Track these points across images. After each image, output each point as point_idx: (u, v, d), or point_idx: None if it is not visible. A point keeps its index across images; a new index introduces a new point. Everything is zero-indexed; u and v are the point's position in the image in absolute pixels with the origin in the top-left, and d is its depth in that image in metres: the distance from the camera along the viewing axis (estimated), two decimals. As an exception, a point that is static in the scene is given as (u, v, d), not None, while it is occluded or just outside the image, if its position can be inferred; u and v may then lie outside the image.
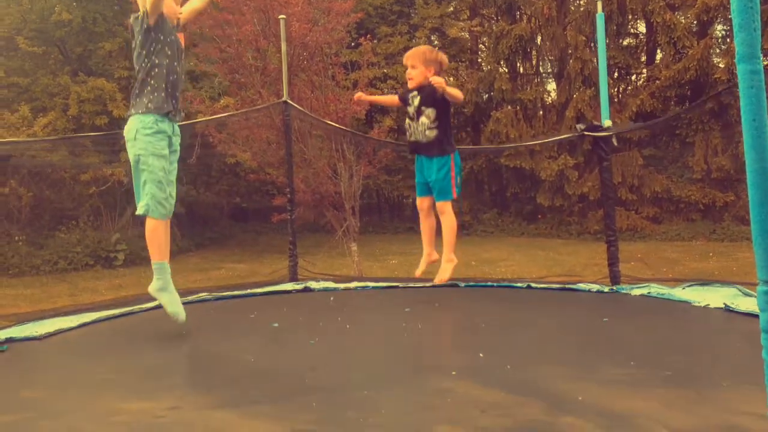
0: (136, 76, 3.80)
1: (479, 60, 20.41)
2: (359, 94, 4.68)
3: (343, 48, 13.55)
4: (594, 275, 7.70)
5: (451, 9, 20.21)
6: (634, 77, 18.20)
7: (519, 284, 6.32)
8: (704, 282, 5.93)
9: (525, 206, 18.11)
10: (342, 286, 6.38)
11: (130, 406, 2.75)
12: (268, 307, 5.33)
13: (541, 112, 18.16)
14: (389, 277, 9.23)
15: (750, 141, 1.54)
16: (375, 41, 15.43)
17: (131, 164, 3.77)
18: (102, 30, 15.60)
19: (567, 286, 6.11)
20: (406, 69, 4.27)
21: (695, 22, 15.69)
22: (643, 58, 17.93)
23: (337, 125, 9.53)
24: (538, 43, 17.97)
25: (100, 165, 13.39)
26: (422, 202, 4.34)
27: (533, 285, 6.22)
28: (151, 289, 3.79)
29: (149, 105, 3.66)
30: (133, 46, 3.83)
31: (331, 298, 5.19)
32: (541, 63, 18.99)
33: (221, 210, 17.93)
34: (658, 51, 17.02)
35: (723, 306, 4.75)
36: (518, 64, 18.79)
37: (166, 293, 3.77)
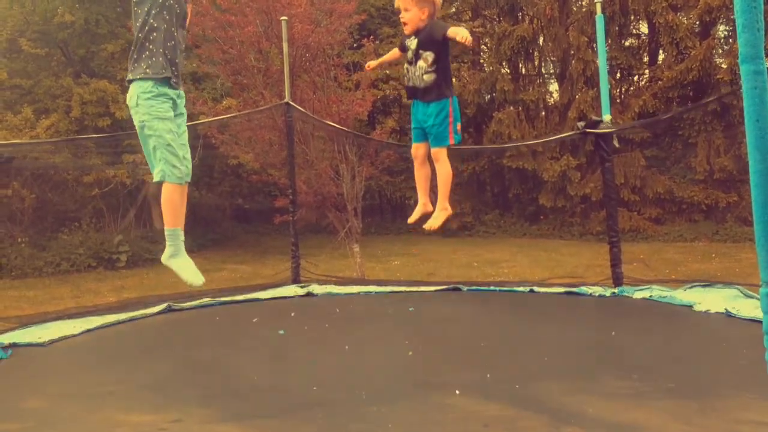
0: (134, 39, 3.69)
1: (481, 61, 20.39)
2: (369, 64, 4.57)
3: (345, 49, 13.54)
4: (597, 276, 7.68)
5: (453, 10, 20.19)
6: (636, 78, 18.17)
7: (521, 288, 6.31)
8: (706, 283, 5.92)
9: (527, 207, 18.09)
10: (345, 291, 6.37)
11: (132, 418, 2.74)
12: (271, 317, 5.32)
13: (543, 113, 18.13)
14: (391, 280, 9.23)
15: (753, 142, 1.53)
16: (377, 42, 15.41)
17: (138, 133, 3.68)
18: (105, 32, 15.61)
19: (569, 290, 6.10)
20: (399, 12, 4.15)
21: (697, 22, 15.66)
22: (646, 59, 17.90)
23: (339, 126, 9.52)
24: (540, 43, 17.94)
25: (102, 167, 13.40)
26: (417, 149, 4.21)
27: (536, 290, 6.22)
28: (164, 257, 3.68)
29: (147, 70, 3.56)
30: (133, 5, 3.73)
31: (337, 310, 5.17)
32: (543, 64, 18.96)
33: (223, 211, 17.92)
34: (661, 52, 16.99)
35: (724, 311, 4.74)
36: (520, 65, 18.77)
37: (178, 259, 3.64)
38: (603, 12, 6.64)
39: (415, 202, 4.29)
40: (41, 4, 15.37)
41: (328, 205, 10.54)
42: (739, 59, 1.57)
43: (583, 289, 6.16)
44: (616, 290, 6.01)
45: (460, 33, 3.77)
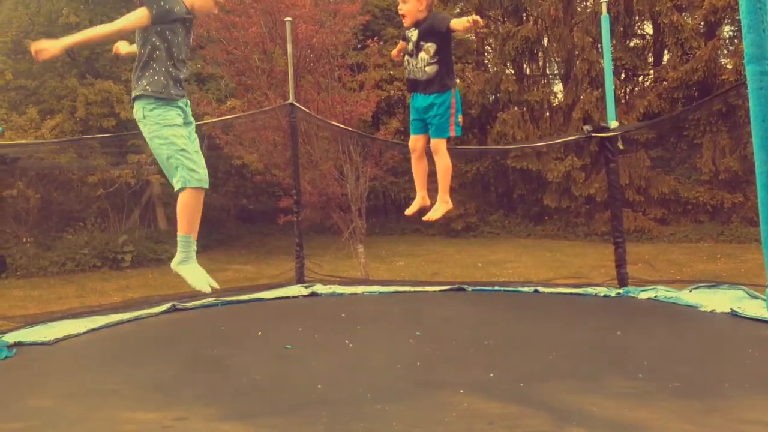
0: (137, 55, 3.67)
1: (486, 61, 20.37)
2: (392, 53, 4.47)
3: (349, 50, 13.55)
4: (601, 277, 7.67)
5: (458, 10, 20.16)
6: (641, 78, 18.12)
7: (526, 289, 6.30)
8: (711, 284, 5.90)
9: (532, 208, 18.06)
10: (349, 290, 6.37)
11: (137, 416, 2.74)
12: (275, 316, 5.32)
13: (547, 114, 18.10)
14: (395, 280, 9.23)
15: (759, 142, 1.53)
16: (381, 43, 15.40)
17: (150, 147, 3.65)
18: (109, 32, 15.63)
19: (574, 291, 6.09)
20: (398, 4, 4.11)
21: (702, 23, 15.62)
22: (651, 60, 17.85)
23: (343, 126, 9.52)
24: (545, 44, 17.91)
25: (107, 167, 13.43)
26: (416, 142, 4.14)
27: (540, 290, 6.20)
28: (174, 263, 3.63)
29: (147, 87, 3.55)
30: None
31: (341, 311, 5.16)
32: (547, 64, 18.93)
33: (228, 211, 17.94)
34: (666, 52, 16.95)
35: (729, 311, 4.73)
36: (525, 66, 18.74)
37: (188, 265, 3.60)
38: (608, 12, 6.63)
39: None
40: (46, 6, 15.42)
41: (333, 206, 10.54)
42: (745, 60, 1.57)
43: (588, 289, 6.15)
44: (621, 290, 6.00)
45: (461, 23, 3.76)
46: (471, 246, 15.37)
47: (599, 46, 15.78)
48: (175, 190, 3.56)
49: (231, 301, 5.83)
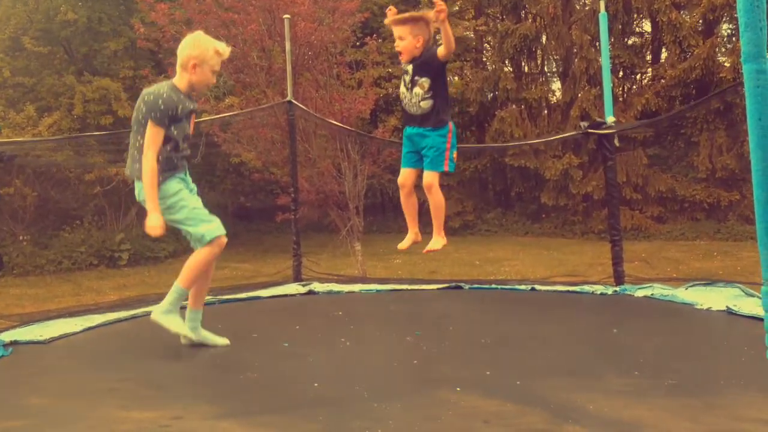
0: (133, 140, 3.60)
1: (484, 59, 20.38)
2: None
3: (348, 47, 13.53)
4: (598, 275, 7.68)
5: (456, 8, 20.15)
6: (639, 76, 18.15)
7: (522, 287, 6.30)
8: (707, 282, 5.92)
9: (529, 205, 18.08)
10: (346, 288, 6.37)
11: (134, 415, 2.74)
12: (272, 314, 5.32)
13: (545, 112, 18.12)
14: (393, 278, 9.24)
15: (756, 140, 1.53)
16: (380, 40, 15.39)
17: (167, 220, 3.62)
18: (107, 30, 15.63)
19: (570, 289, 6.10)
20: (394, 36, 4.09)
21: (701, 21, 15.63)
22: (649, 57, 17.87)
23: (341, 125, 9.52)
24: (543, 42, 17.93)
25: (104, 164, 13.41)
26: (406, 177, 4.08)
27: (537, 287, 6.22)
28: (156, 312, 3.62)
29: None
30: (136, 120, 3.61)
31: (339, 313, 5.17)
32: (546, 62, 18.95)
33: (225, 209, 17.93)
34: (664, 50, 16.97)
35: (725, 309, 4.74)
36: (523, 64, 18.75)
37: (170, 316, 3.61)
38: (606, 10, 6.63)
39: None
40: (44, 3, 15.38)
41: (330, 204, 10.54)
42: (742, 58, 1.57)
43: (585, 287, 6.16)
44: (617, 288, 6.01)
45: (432, 16, 3.74)
46: (468, 244, 15.38)
47: (597, 44, 15.78)
48: (201, 245, 3.51)
49: (228, 299, 5.83)
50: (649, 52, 17.88)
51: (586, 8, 17.00)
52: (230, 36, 11.43)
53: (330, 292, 6.27)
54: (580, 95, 16.36)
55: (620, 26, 16.59)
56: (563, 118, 16.81)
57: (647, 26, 17.76)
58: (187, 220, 3.52)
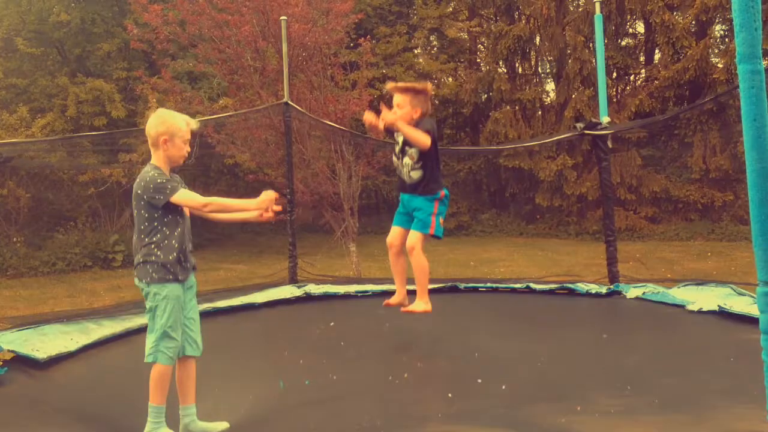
0: (140, 237, 3.57)
1: (478, 60, 20.39)
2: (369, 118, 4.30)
3: (342, 48, 13.54)
4: (593, 275, 7.70)
5: (450, 9, 20.19)
6: (632, 77, 18.19)
7: (518, 285, 6.31)
8: (700, 282, 5.94)
9: (524, 206, 18.10)
10: (342, 290, 6.36)
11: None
12: (266, 330, 5.30)
13: (539, 113, 18.14)
14: (388, 279, 9.22)
15: (751, 141, 1.54)
16: (374, 42, 15.40)
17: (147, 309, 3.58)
18: (100, 31, 15.58)
19: (565, 285, 6.11)
20: (394, 100, 4.06)
21: (694, 22, 15.68)
22: (642, 59, 17.92)
23: (336, 126, 9.52)
24: (537, 43, 17.96)
25: (98, 166, 13.37)
26: (395, 237, 4.06)
27: (532, 286, 6.22)
28: None
29: (154, 275, 3.49)
30: (137, 206, 3.58)
31: (332, 323, 5.16)
32: (539, 63, 18.98)
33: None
34: (657, 51, 17.01)
35: (717, 308, 4.74)
36: (517, 65, 18.78)
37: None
38: (600, 12, 6.65)
39: None
40: (37, 4, 15.33)
41: (325, 205, 10.54)
42: (737, 59, 1.57)
43: (579, 286, 6.17)
44: (612, 286, 6.04)
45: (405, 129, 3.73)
46: (463, 245, 15.38)
47: (591, 45, 15.82)
48: (145, 360, 3.46)
49: (223, 308, 5.80)
50: (642, 53, 17.93)
51: (580, 9, 17.04)
52: (224, 37, 11.43)
53: (325, 294, 6.28)
54: (574, 96, 16.39)
55: (614, 27, 16.63)
56: (557, 119, 16.84)
57: (640, 27, 17.82)
58: (155, 329, 3.47)
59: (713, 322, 4.63)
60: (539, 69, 19.04)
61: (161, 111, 3.70)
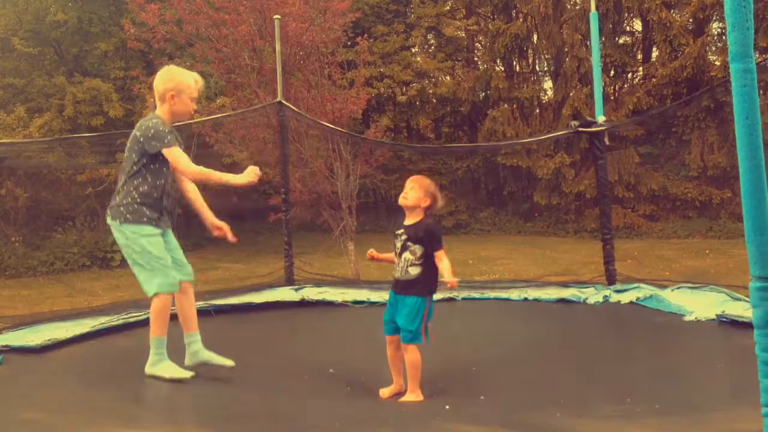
0: (122, 178, 3.64)
1: (475, 59, 20.42)
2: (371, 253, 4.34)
3: (339, 47, 13.53)
4: (591, 273, 7.71)
5: (447, 8, 20.20)
6: (630, 75, 18.21)
7: (515, 297, 6.29)
8: (694, 285, 5.94)
9: (522, 204, 18.12)
10: (339, 298, 6.35)
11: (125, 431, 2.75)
12: (268, 331, 5.31)
13: (537, 111, 18.17)
14: (386, 280, 9.21)
15: (743, 138, 1.55)
16: (371, 40, 15.42)
17: (123, 253, 3.69)
18: (97, 30, 15.57)
19: (562, 295, 6.11)
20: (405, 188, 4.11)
21: (691, 20, 15.71)
22: (639, 57, 17.94)
23: (332, 126, 9.52)
24: (534, 41, 17.97)
25: (96, 165, 13.37)
26: (390, 339, 4.14)
27: (529, 297, 6.22)
28: (147, 367, 3.62)
29: (128, 216, 3.58)
30: (130, 148, 3.63)
31: (330, 330, 5.16)
32: (537, 61, 18.99)
33: (218, 210, 17.85)
34: (654, 49, 17.04)
35: (715, 317, 4.74)
36: (514, 63, 18.79)
37: (162, 365, 3.62)
38: (597, 9, 6.65)
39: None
40: (34, 3, 15.32)
41: (323, 204, 10.54)
42: (729, 57, 1.58)
43: (576, 294, 6.17)
44: (608, 292, 6.04)
45: (446, 274, 3.75)
46: (461, 243, 15.39)
47: (588, 43, 15.84)
48: (148, 295, 3.58)
49: (222, 306, 5.81)
50: (639, 51, 17.95)
51: (577, 8, 17.05)
52: (221, 36, 11.42)
53: (323, 301, 6.28)
54: (571, 94, 16.41)
55: (611, 25, 16.65)
56: (555, 117, 16.86)
57: (638, 25, 17.84)
58: (144, 263, 3.57)
59: (711, 327, 4.63)
60: (537, 67, 19.07)
61: (171, 67, 3.83)
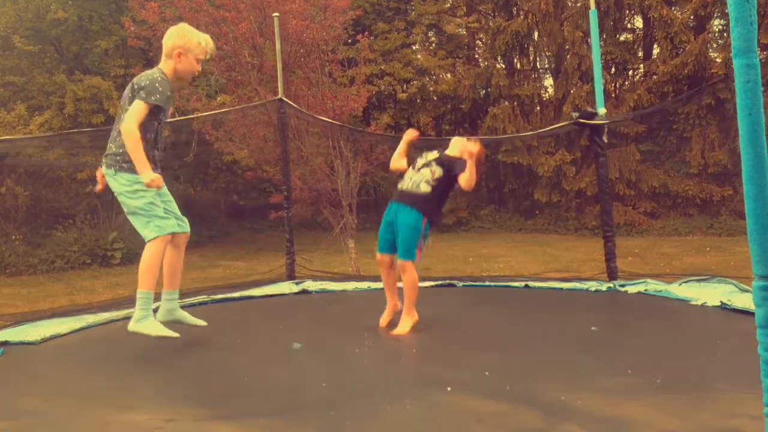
0: (116, 128, 3.69)
1: (476, 56, 20.40)
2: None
3: (339, 45, 13.51)
4: (592, 271, 7.71)
5: (448, 5, 20.18)
6: (631, 73, 18.17)
7: (516, 284, 6.31)
8: (701, 278, 5.94)
9: (523, 202, 18.10)
10: (339, 287, 6.36)
11: (127, 417, 2.73)
12: (265, 316, 5.31)
13: (538, 108, 18.14)
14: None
15: (746, 135, 1.53)
16: (372, 38, 15.38)
17: (119, 200, 3.72)
18: (98, 28, 15.55)
19: (564, 287, 6.11)
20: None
21: (692, 16, 15.67)
22: (640, 54, 17.89)
23: (331, 121, 9.51)
24: (535, 38, 17.93)
25: (96, 163, 13.29)
26: (383, 258, 4.18)
27: (531, 285, 6.22)
28: (132, 323, 3.64)
29: (123, 165, 3.61)
30: (128, 97, 3.67)
31: (331, 313, 5.15)
32: (538, 59, 18.96)
33: (218, 208, 17.89)
34: (656, 46, 17.00)
35: (720, 304, 4.75)
36: (515, 60, 18.76)
37: (146, 322, 3.63)
38: (597, 6, 6.64)
39: None
40: (34, 1, 15.30)
41: (323, 201, 10.53)
42: (732, 53, 1.57)
43: (577, 285, 6.17)
44: (611, 284, 6.02)
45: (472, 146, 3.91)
46: (462, 241, 15.39)
47: (589, 40, 15.80)
48: (147, 240, 3.59)
49: (222, 299, 5.82)
50: (640, 49, 17.90)
51: (578, 5, 17.02)
52: (221, 34, 11.40)
53: (322, 290, 6.27)
54: (572, 91, 16.38)
55: (612, 22, 16.60)
56: (556, 115, 16.83)
57: (639, 22, 17.80)
58: (140, 210, 3.59)
59: (715, 312, 4.64)
60: (537, 64, 19.03)
61: (183, 24, 3.83)
